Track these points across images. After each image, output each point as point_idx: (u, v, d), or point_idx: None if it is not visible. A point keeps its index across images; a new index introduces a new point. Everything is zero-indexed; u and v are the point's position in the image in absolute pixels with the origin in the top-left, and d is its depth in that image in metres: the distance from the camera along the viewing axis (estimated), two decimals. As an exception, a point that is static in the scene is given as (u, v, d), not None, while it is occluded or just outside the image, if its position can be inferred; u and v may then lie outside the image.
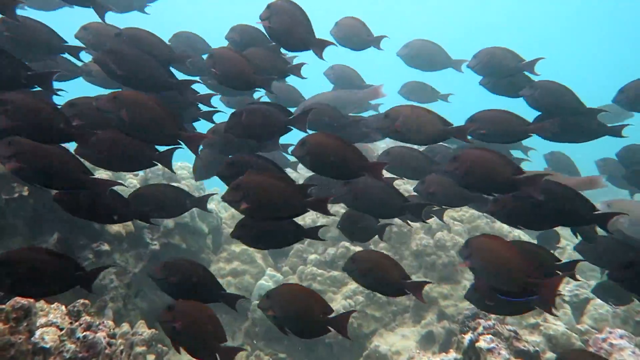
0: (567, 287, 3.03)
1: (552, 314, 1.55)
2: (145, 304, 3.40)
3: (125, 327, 2.34)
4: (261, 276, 3.62)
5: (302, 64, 2.43)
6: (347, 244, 3.61)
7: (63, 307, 1.85)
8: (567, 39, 24.82)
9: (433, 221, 3.59)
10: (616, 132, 2.24)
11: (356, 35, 2.69)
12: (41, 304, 1.82)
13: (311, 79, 2.44)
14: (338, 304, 3.35)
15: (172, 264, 1.79)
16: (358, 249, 3.59)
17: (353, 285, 3.43)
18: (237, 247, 3.70)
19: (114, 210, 1.76)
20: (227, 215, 4.09)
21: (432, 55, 2.95)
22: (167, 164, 1.87)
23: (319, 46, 2.22)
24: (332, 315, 1.64)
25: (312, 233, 1.90)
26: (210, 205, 3.76)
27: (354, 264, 1.85)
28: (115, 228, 2.83)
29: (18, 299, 1.40)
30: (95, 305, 2.60)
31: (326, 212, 1.71)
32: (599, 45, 24.83)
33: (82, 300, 1.81)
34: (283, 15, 2.12)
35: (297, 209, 1.67)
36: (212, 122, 2.33)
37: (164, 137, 1.79)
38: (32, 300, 1.44)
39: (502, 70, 2.47)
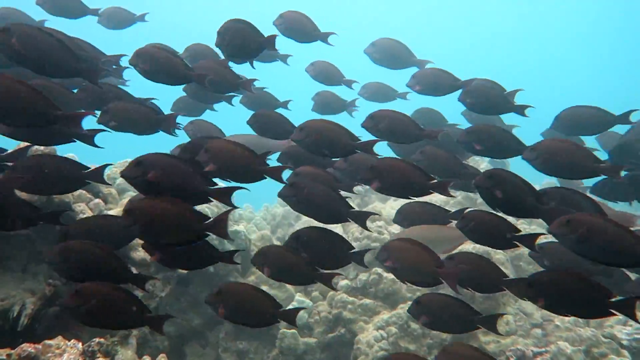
0: (624, 330, 2.74)
1: (456, 290, 1.81)
2: (172, 328, 3.34)
3: (146, 360, 2.26)
4: (290, 302, 3.49)
5: (253, 80, 2.61)
6: (379, 270, 3.43)
7: (80, 345, 1.77)
8: (572, 47, 24.01)
9: (473, 248, 3.38)
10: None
11: (301, 28, 2.88)
12: (58, 340, 1.75)
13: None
14: (369, 334, 3.18)
15: (69, 247, 1.70)
16: (392, 276, 3.41)
17: (385, 315, 3.26)
18: (266, 271, 3.58)
19: (17, 215, 1.69)
20: (257, 237, 3.99)
21: (397, 53, 3.08)
22: (100, 179, 1.93)
23: (270, 43, 2.41)
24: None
25: (227, 257, 1.93)
26: (239, 227, 3.67)
27: (260, 257, 1.96)
28: (140, 255, 2.77)
29: (25, 346, 1.33)
30: (119, 335, 2.53)
31: (224, 235, 1.73)
32: (605, 52, 23.86)
33: (97, 339, 1.73)
34: (233, 33, 2.33)
35: (193, 235, 1.68)
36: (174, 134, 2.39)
37: (36, 118, 1.73)
38: (39, 346, 1.36)
39: (436, 91, 2.72)
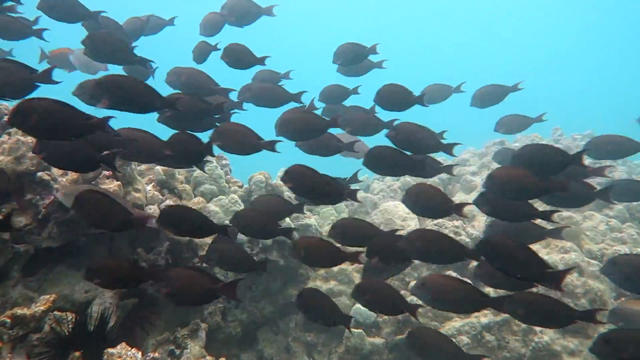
0: None
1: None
2: (244, 316, 3.47)
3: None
4: (359, 298, 3.44)
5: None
6: (454, 273, 3.23)
7: (139, 355, 1.88)
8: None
9: (559, 261, 3.03)
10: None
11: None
12: (120, 348, 1.88)
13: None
14: (439, 341, 3.03)
15: None
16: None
17: (458, 323, 3.08)
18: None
19: None
20: (327, 230, 3.95)
21: (244, 9, 3.17)
22: (48, 80, 1.77)
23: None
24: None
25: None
26: (310, 220, 3.66)
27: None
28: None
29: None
30: (189, 328, 2.68)
31: None
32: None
33: (151, 355, 1.82)
34: None
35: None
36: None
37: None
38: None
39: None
